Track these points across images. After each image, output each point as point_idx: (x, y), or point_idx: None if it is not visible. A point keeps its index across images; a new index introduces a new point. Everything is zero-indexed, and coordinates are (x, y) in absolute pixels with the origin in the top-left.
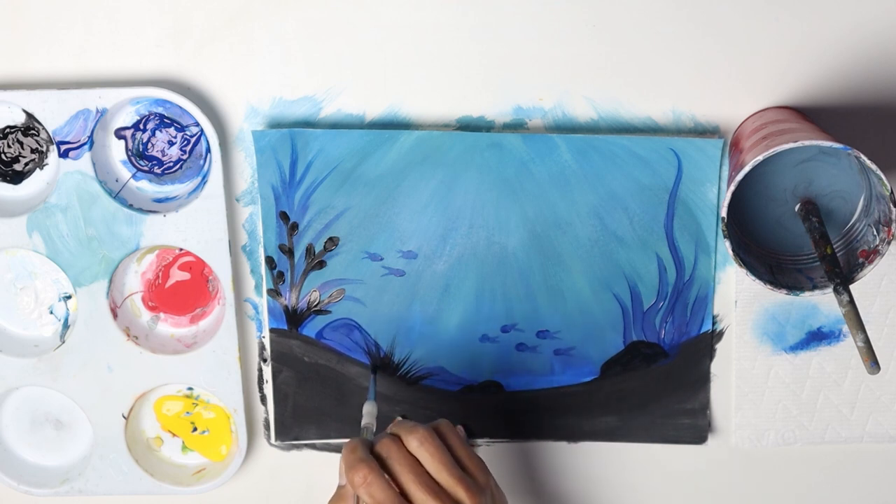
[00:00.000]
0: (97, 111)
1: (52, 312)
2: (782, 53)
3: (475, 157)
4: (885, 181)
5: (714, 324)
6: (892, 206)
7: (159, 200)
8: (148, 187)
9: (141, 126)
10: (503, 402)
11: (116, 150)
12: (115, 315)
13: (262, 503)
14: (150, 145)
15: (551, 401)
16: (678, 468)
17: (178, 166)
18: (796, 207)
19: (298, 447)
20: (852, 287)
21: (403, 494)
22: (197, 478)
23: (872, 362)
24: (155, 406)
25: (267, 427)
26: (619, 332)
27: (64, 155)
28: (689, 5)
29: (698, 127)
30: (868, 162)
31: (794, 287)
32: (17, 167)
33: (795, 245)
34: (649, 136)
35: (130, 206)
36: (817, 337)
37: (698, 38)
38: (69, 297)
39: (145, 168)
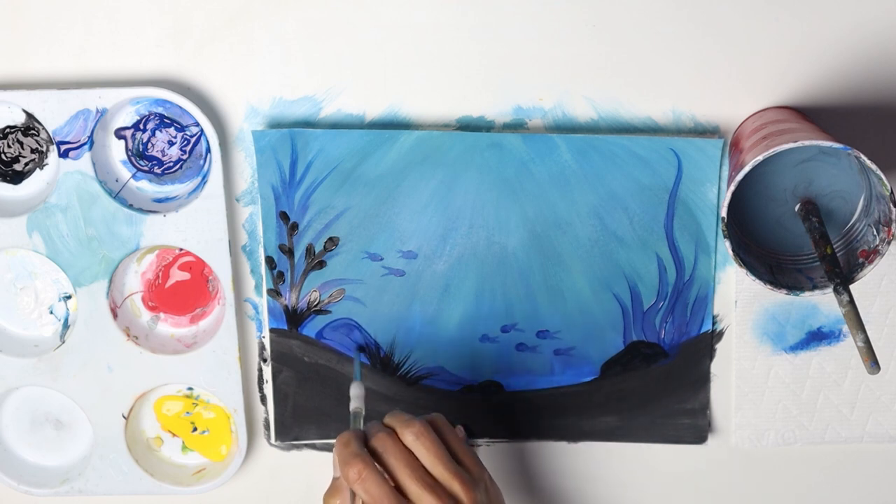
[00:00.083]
0: (97, 111)
1: (52, 312)
2: (782, 53)
3: (475, 157)
4: (885, 181)
5: (714, 324)
6: (892, 206)
7: (159, 200)
8: (148, 187)
9: (141, 126)
10: (503, 402)
11: (116, 150)
12: (115, 315)
13: (262, 503)
14: (150, 145)
15: (551, 401)
16: (678, 468)
17: (178, 166)
18: (796, 207)
19: (298, 447)
20: (852, 287)
21: (398, 488)
22: (197, 478)
23: (872, 362)
24: (155, 406)
25: (267, 427)
26: (619, 332)
27: (64, 155)
28: (689, 5)
29: (698, 127)
30: (868, 162)
31: (794, 287)
32: (17, 167)
33: (795, 245)
34: (649, 136)
35: (130, 206)
36: (817, 337)
37: (698, 38)
38: (69, 297)
39: (145, 168)
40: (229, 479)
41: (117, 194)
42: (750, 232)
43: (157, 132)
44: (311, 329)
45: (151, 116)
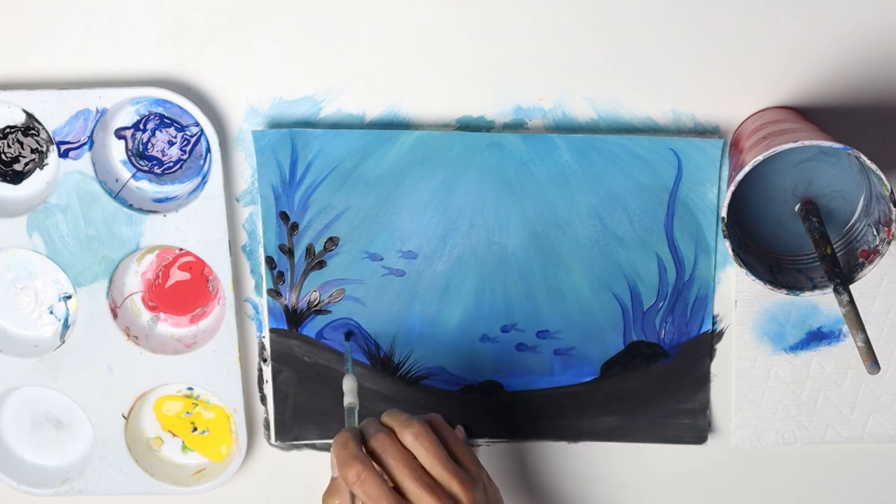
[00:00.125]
0: (97, 111)
1: (52, 312)
2: (782, 53)
3: (475, 157)
4: (885, 181)
5: (714, 324)
6: (892, 206)
7: (159, 200)
8: (148, 187)
9: (141, 126)
10: (503, 402)
11: (116, 150)
12: (115, 315)
13: (262, 503)
14: (150, 145)
15: (551, 401)
16: (678, 468)
17: (178, 166)
18: (796, 207)
19: (298, 447)
20: (852, 287)
21: (397, 489)
22: (197, 478)
23: (872, 362)
24: (155, 406)
25: (267, 427)
26: (619, 332)
27: (64, 155)
28: (689, 5)
29: (698, 127)
30: (868, 162)
31: (794, 287)
32: (17, 167)
33: (795, 245)
34: (649, 136)
35: (130, 206)
36: (817, 337)
37: (698, 38)
38: (69, 297)
39: (145, 168)
40: (229, 479)
41: (117, 194)
42: (750, 232)
43: (157, 132)
44: (311, 329)
45: (151, 116)
